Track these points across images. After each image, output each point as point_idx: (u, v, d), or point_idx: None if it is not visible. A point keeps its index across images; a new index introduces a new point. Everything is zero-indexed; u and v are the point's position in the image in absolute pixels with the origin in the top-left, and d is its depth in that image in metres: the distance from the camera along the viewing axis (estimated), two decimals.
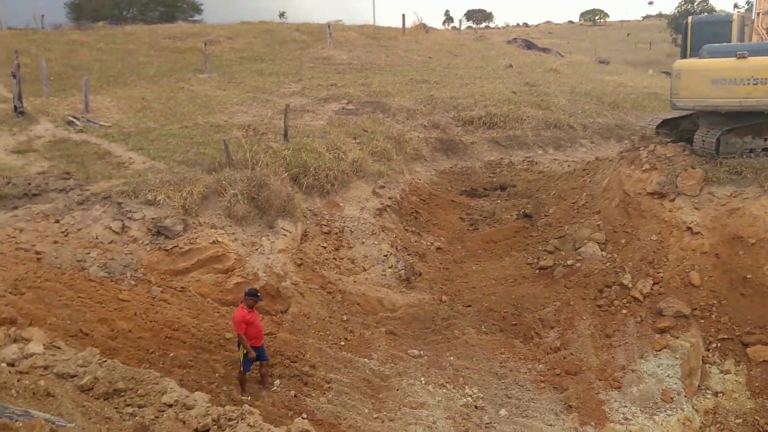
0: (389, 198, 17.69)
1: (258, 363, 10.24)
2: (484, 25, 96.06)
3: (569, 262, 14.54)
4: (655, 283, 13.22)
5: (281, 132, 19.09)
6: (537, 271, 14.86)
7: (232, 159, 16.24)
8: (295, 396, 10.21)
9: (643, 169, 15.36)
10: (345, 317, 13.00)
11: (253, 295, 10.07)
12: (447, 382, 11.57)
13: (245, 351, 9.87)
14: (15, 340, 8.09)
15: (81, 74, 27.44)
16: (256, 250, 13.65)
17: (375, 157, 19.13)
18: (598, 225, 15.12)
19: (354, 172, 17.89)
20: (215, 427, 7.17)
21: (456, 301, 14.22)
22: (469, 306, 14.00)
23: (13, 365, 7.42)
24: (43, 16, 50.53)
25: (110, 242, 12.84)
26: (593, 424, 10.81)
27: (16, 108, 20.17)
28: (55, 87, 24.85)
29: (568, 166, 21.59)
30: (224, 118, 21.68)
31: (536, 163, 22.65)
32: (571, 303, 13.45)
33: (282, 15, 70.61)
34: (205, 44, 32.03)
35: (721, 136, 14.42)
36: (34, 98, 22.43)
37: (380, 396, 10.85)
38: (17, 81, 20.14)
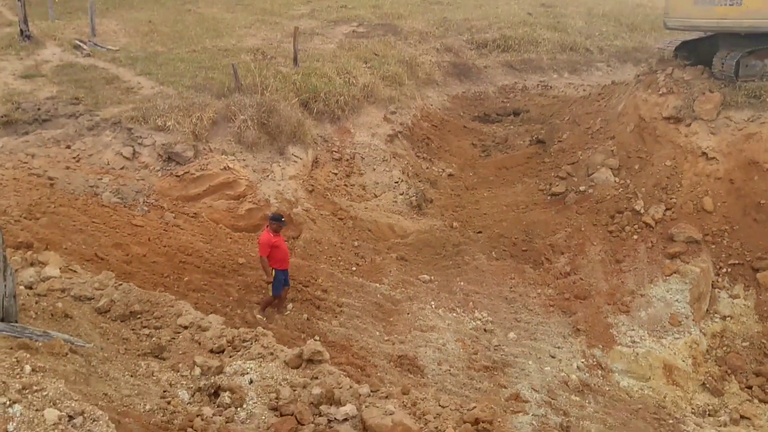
0: (400, 124, 17.49)
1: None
2: None
3: (581, 188, 14.45)
4: (667, 209, 13.13)
5: (290, 56, 18.73)
6: (549, 198, 14.80)
7: (242, 84, 16.02)
8: (307, 319, 10.41)
9: (660, 93, 15.01)
10: (356, 243, 13.10)
11: (277, 220, 10.08)
12: (457, 307, 11.74)
13: (274, 274, 9.97)
14: (32, 264, 8.24)
15: None
16: (267, 176, 13.64)
17: (386, 81, 18.80)
18: (612, 151, 14.92)
19: (365, 97, 17.63)
20: (230, 348, 7.35)
21: (467, 228, 14.26)
22: (479, 232, 14.04)
23: (31, 288, 7.58)
24: None
25: (122, 168, 12.87)
26: (600, 346, 10.99)
27: (22, 32, 19.83)
28: (60, 10, 24.35)
29: (584, 90, 21.14)
30: (232, 42, 21.28)
31: (551, 87, 22.21)
32: (582, 229, 13.44)
33: None
34: None
35: (740, 58, 14.00)
36: (39, 21, 22.03)
37: (391, 319, 11.04)
38: (22, 4, 19.70)
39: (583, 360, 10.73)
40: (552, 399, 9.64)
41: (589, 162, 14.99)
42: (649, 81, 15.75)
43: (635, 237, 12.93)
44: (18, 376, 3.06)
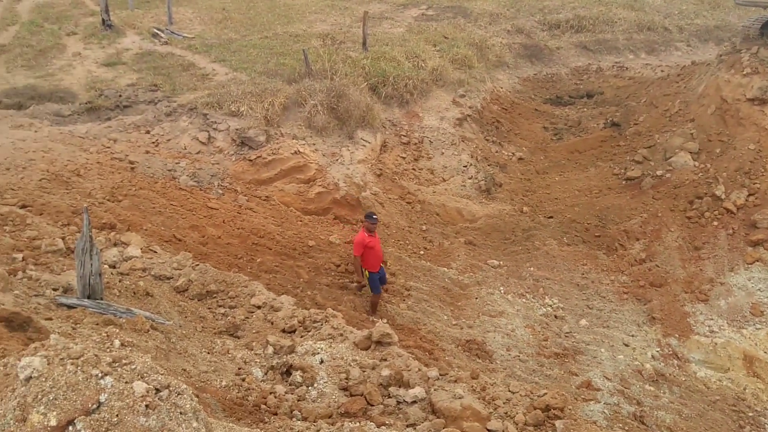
0: (470, 107, 17.30)
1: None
2: None
3: (658, 173, 13.96)
4: (750, 195, 12.53)
5: (360, 40, 18.79)
6: (623, 182, 14.36)
7: (312, 69, 16.20)
8: None
9: (744, 73, 14.28)
10: (424, 227, 13.09)
11: (368, 218, 9.79)
12: (527, 292, 11.59)
13: (368, 273, 9.79)
14: (115, 244, 8.61)
15: None
16: (336, 160, 13.78)
17: (455, 65, 18.62)
18: (692, 134, 14.32)
19: (434, 81, 17.52)
20: (301, 328, 7.50)
21: (537, 212, 14.03)
22: (550, 217, 13.78)
23: (114, 267, 7.93)
24: None
25: (198, 152, 13.26)
26: (677, 335, 10.64)
27: (104, 21, 20.69)
28: None
29: (662, 71, 20.34)
30: (303, 28, 21.54)
31: (626, 68, 21.48)
32: (659, 215, 13.00)
33: None
34: None
35: None
36: (120, 11, 22.90)
37: (459, 304, 11.01)
38: None
39: (658, 349, 10.41)
40: (625, 388, 9.41)
41: (666, 145, 14.45)
42: (732, 61, 15.00)
43: (715, 223, 12.41)
44: (108, 350, 3.24)
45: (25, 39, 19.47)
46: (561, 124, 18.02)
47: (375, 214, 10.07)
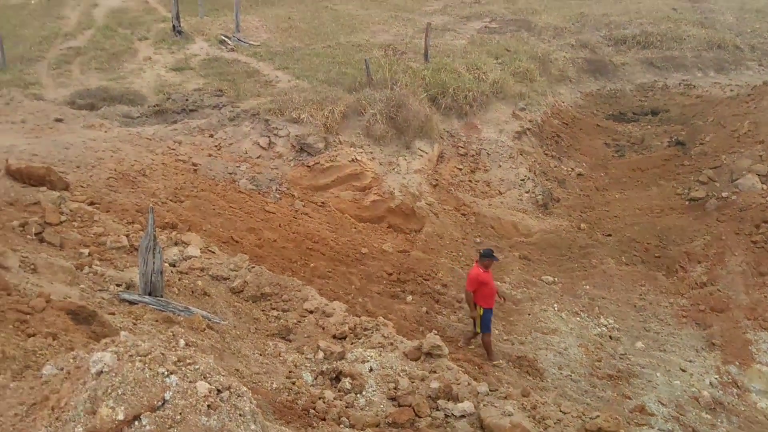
0: (529, 121, 17.14)
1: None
2: None
3: (724, 195, 13.51)
4: None
5: (421, 51, 18.87)
6: (687, 203, 13.95)
7: (372, 79, 16.35)
8: (426, 312, 10.47)
9: None
10: (478, 239, 13.01)
11: (488, 256, 9.50)
12: (581, 311, 11.37)
13: (482, 309, 9.46)
14: (176, 244, 8.87)
15: None
16: (393, 169, 13.85)
17: (517, 78, 18.50)
18: (761, 156, 13.82)
19: (494, 93, 17.44)
20: (351, 335, 7.56)
21: (595, 230, 13.76)
22: (609, 235, 13.49)
23: (174, 266, 8.17)
24: None
25: (258, 157, 13.53)
26: (737, 363, 10.23)
27: (174, 27, 21.38)
28: (208, 6, 25.92)
29: (731, 90, 19.70)
30: (365, 38, 21.75)
31: (694, 86, 20.90)
32: (723, 237, 12.57)
33: None
34: None
35: None
36: (190, 18, 23.59)
37: (511, 319, 10.88)
38: (176, 1, 21.24)
39: (716, 376, 10.04)
40: (680, 414, 9.11)
41: (733, 167, 13.98)
42: None
43: None
44: (173, 349, 3.34)
45: (100, 43, 20.28)
46: (623, 141, 17.65)
47: (493, 251, 9.74)
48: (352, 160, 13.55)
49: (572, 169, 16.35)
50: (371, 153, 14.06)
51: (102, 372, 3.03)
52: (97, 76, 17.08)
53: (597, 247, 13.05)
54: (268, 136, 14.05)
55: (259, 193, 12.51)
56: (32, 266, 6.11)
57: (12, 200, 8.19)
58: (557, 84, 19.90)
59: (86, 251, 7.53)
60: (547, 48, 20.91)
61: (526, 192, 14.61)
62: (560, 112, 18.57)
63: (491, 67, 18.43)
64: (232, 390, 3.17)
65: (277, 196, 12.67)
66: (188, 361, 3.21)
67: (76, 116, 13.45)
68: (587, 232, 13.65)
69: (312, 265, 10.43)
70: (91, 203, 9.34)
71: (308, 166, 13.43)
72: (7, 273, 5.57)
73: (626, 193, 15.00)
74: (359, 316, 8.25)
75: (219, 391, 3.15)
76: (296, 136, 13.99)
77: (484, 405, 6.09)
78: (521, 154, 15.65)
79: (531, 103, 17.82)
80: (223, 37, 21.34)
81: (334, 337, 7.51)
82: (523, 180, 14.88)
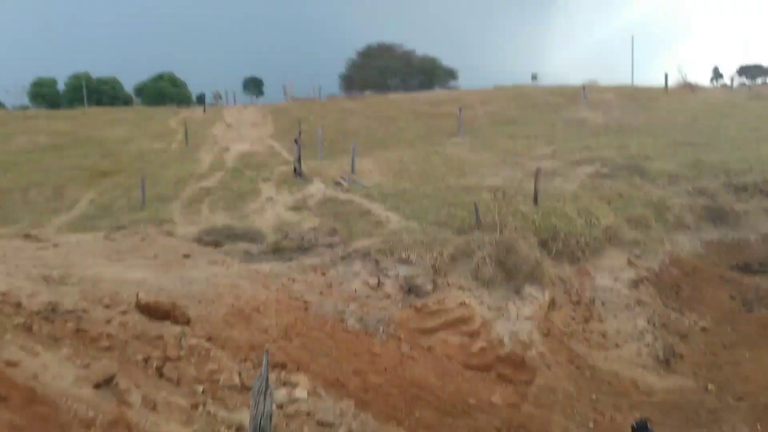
0: (646, 269, 16.51)
1: None
2: (760, 81, 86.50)
3: None
4: None
5: (531, 195, 18.99)
6: None
7: (481, 221, 16.53)
8: None
9: None
10: (594, 396, 12.24)
11: (643, 429, 8.80)
12: None
13: None
14: (284, 384, 8.97)
15: (349, 139, 30.33)
16: (502, 315, 13.57)
17: (631, 224, 18.12)
18: None
19: (607, 239, 17.09)
20: None
21: (725, 392, 12.59)
22: (740, 399, 12.29)
23: (281, 408, 8.21)
24: (320, 87, 57.18)
25: (367, 296, 13.72)
26: None
27: (295, 170, 22.90)
28: (327, 151, 27.72)
29: None
30: (475, 180, 22.25)
31: None
32: None
33: (534, 77, 71.06)
34: (460, 109, 33.47)
35: None
36: (310, 161, 25.23)
37: None
38: (298, 146, 22.89)
39: None
40: None
41: None
42: None
43: None
44: None
45: (228, 183, 21.98)
46: (751, 295, 16.49)
47: (647, 424, 9.06)
48: (461, 303, 13.44)
49: (695, 322, 15.35)
50: (480, 297, 13.91)
51: None
52: (223, 215, 18.36)
53: (728, 411, 11.87)
54: (378, 276, 14.29)
55: (366, 333, 12.54)
56: (152, 404, 6.33)
57: (138, 333, 8.67)
58: (674, 231, 19.23)
59: (201, 388, 7.74)
60: (662, 194, 20.47)
61: (646, 346, 13.77)
62: (679, 261, 17.78)
63: (604, 213, 18.20)
64: None
65: (384, 337, 12.64)
66: None
67: (202, 252, 14.37)
68: (716, 394, 12.51)
69: (417, 414, 10.14)
70: (209, 339, 9.70)
71: (416, 308, 13.42)
72: (130, 410, 5.79)
73: (758, 353, 13.78)
74: None
75: None
76: (405, 277, 14.15)
77: None
78: (638, 304, 14.96)
79: (647, 251, 17.25)
80: (339, 179, 22.55)
81: None
82: (641, 332, 14.11)
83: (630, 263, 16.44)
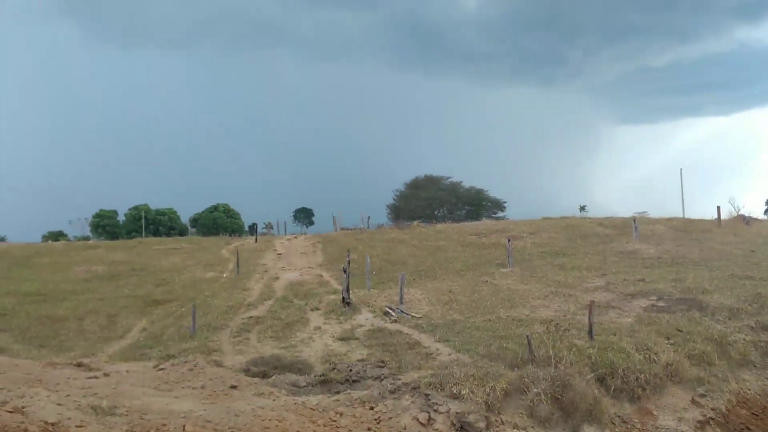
0: (712, 409, 15.54)
1: None
2: None
3: None
4: None
5: (585, 328, 18.49)
6: None
7: (535, 355, 16.05)
8: None
9: None
10: None
11: None
12: None
13: None
14: None
15: (397, 268, 30.50)
16: None
17: (692, 360, 17.30)
18: None
19: (668, 376, 16.30)
20: None
21: None
22: None
23: None
24: (369, 217, 58.71)
25: None
26: None
27: (344, 299, 22.95)
28: (375, 280, 27.84)
29: None
30: (526, 312, 21.85)
31: None
32: None
33: (583, 209, 71.43)
34: (508, 240, 33.56)
35: None
36: (358, 290, 25.32)
37: None
38: (347, 275, 23.08)
39: None
40: None
41: None
42: None
43: None
44: None
45: (277, 312, 22.10)
46: None
47: None
48: None
49: None
50: None
51: None
52: (271, 344, 18.31)
53: None
54: (428, 412, 13.78)
55: None
56: None
57: None
58: (739, 369, 18.22)
59: None
60: (724, 330, 19.63)
61: None
62: (747, 401, 16.69)
63: (662, 348, 17.49)
64: None
65: None
66: None
67: (249, 383, 14.21)
68: None
69: None
70: None
71: None
72: None
73: None
74: None
75: None
76: (456, 413, 13.61)
77: None
78: None
79: (711, 389, 16.34)
80: (388, 309, 22.43)
81: None
82: None
83: (694, 402, 15.55)
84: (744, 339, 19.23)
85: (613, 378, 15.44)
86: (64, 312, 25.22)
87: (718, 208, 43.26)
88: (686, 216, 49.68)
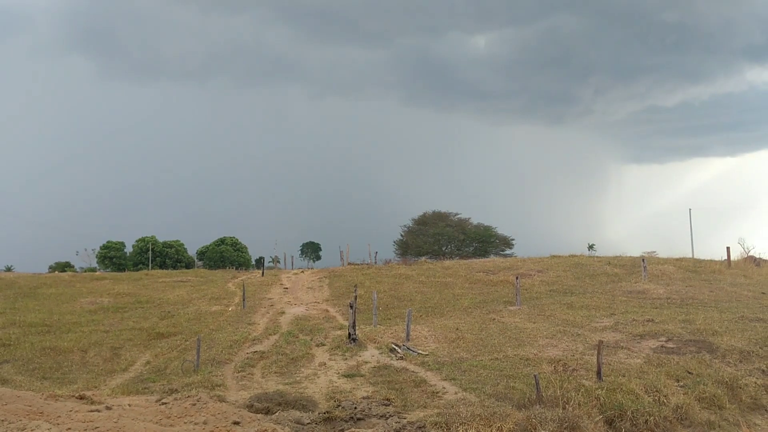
0: None
1: None
2: None
3: None
4: None
5: (593, 369, 18.24)
6: None
7: (542, 396, 15.81)
8: None
9: None
10: None
11: None
12: None
13: None
14: None
15: (404, 304, 30.35)
16: None
17: (703, 403, 16.97)
18: None
19: (678, 419, 15.97)
20: None
21: None
22: None
23: None
24: (376, 253, 58.58)
25: None
26: None
27: (349, 335, 22.76)
28: (382, 316, 27.65)
29: None
30: (533, 351, 21.60)
31: None
32: None
33: (591, 247, 71.22)
34: (516, 277, 33.35)
35: None
36: (364, 326, 25.13)
37: None
38: (353, 311, 22.93)
39: None
40: None
41: None
42: None
43: None
44: None
45: (282, 348, 21.91)
46: None
47: None
48: None
49: None
50: None
51: None
52: (275, 380, 18.10)
53: None
54: None
55: None
56: None
57: None
58: (751, 413, 17.87)
59: None
60: (734, 372, 19.31)
61: None
62: None
63: (672, 390, 17.19)
64: None
65: None
66: None
67: (252, 420, 14.00)
68: None
69: None
70: None
71: None
72: None
73: None
74: None
75: None
76: None
77: None
78: None
79: None
80: (394, 346, 22.22)
81: None
82: None
83: None
84: (755, 382, 18.89)
85: (622, 420, 15.15)
86: (68, 344, 25.11)
87: (728, 248, 43.00)
88: (695, 256, 49.40)
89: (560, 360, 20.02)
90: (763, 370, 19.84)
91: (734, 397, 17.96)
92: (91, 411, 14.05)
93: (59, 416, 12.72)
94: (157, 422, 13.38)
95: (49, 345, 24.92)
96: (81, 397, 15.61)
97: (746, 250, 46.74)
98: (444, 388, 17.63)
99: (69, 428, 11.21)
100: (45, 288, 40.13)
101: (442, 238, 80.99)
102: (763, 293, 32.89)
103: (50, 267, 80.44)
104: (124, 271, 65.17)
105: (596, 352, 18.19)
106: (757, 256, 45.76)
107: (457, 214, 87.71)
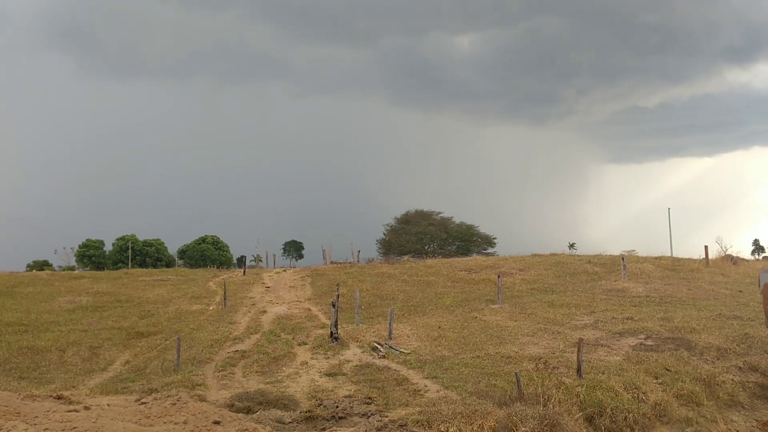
0: None
1: None
2: None
3: None
4: None
5: (573, 366, 18.37)
6: None
7: (523, 393, 15.88)
8: None
9: None
10: None
11: None
12: None
13: None
14: None
15: (387, 303, 30.38)
16: None
17: (681, 400, 17.16)
18: None
19: (656, 416, 16.14)
20: None
21: None
22: None
23: None
24: (359, 252, 58.57)
25: None
26: None
27: (332, 334, 22.72)
28: (364, 315, 27.63)
29: None
30: (515, 349, 21.70)
31: None
32: None
33: (572, 246, 71.76)
34: (498, 276, 33.51)
35: None
36: (347, 325, 25.10)
37: None
38: (335, 310, 22.89)
39: None
40: None
41: None
42: None
43: None
44: None
45: (263, 347, 21.81)
46: None
47: None
48: None
49: None
50: None
51: None
52: (256, 379, 18.01)
53: None
54: None
55: None
56: None
57: None
58: (728, 410, 18.11)
59: None
60: (712, 370, 19.55)
61: None
62: None
63: (651, 387, 17.37)
64: None
65: None
66: None
67: (233, 419, 13.92)
68: None
69: None
70: None
71: None
72: None
73: None
74: None
75: None
76: None
77: None
78: None
79: (700, 430, 16.20)
80: (376, 344, 22.21)
81: None
82: None
83: None
84: (732, 379, 19.15)
85: (601, 417, 15.26)
86: (45, 343, 24.80)
87: (706, 247, 43.58)
88: (674, 255, 49.95)
89: (541, 358, 20.14)
90: (740, 367, 20.11)
91: (712, 394, 18.19)
92: (69, 411, 13.89)
93: (36, 416, 12.56)
94: (136, 422, 13.26)
95: (27, 344, 24.60)
96: (59, 397, 15.43)
97: (724, 249, 47.40)
98: (426, 386, 17.66)
99: (46, 428, 11.08)
100: (22, 287, 39.60)
101: (425, 237, 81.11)
102: (740, 291, 33.37)
103: (28, 266, 79.41)
104: (104, 269, 64.53)
105: (576, 349, 18.32)
106: (735, 255, 46.40)
107: (439, 213, 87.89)
